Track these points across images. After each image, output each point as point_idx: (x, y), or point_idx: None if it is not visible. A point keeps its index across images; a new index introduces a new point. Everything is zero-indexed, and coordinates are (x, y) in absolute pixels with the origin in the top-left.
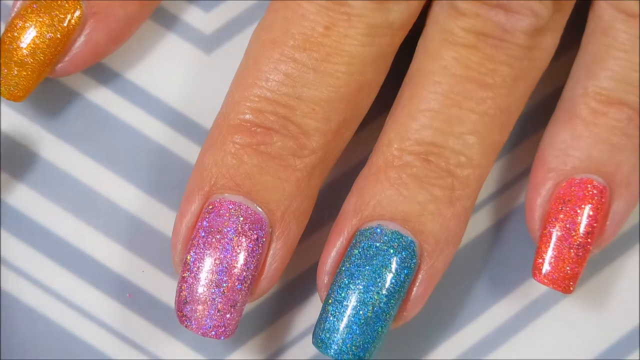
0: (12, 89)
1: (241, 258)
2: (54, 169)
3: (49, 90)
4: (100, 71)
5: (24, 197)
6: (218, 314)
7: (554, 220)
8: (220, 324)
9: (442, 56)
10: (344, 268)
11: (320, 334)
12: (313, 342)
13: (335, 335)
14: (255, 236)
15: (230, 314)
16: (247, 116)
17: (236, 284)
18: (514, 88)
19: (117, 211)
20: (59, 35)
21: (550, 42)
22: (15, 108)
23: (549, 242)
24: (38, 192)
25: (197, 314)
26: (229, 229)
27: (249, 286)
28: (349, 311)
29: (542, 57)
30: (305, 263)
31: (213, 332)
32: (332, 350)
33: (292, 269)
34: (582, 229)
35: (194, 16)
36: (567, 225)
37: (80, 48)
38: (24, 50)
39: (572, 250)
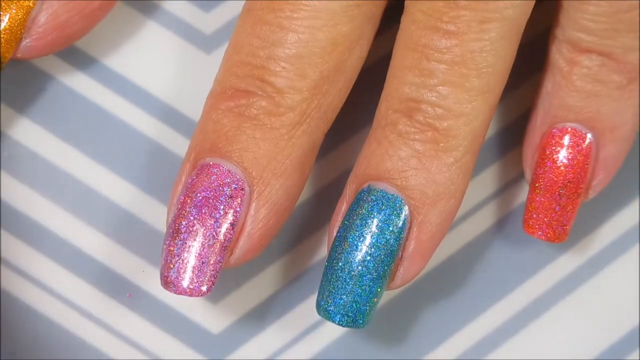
0: None
1: (212, 216)
2: (54, 169)
3: (49, 90)
4: (100, 71)
5: (24, 197)
6: (191, 271)
7: (538, 171)
8: (192, 280)
9: (410, 10)
10: (338, 233)
11: (317, 298)
12: (316, 308)
13: (325, 295)
14: (227, 194)
15: (201, 271)
16: (227, 82)
17: (207, 240)
18: (482, 32)
19: (117, 211)
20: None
21: None
22: (15, 108)
23: (535, 193)
24: (38, 192)
25: (172, 272)
26: (202, 189)
27: (222, 245)
28: (337, 271)
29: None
30: (306, 262)
31: (183, 289)
32: (321, 309)
33: (293, 268)
34: (562, 177)
35: (194, 16)
36: (550, 176)
37: (44, 26)
38: None
39: (554, 201)
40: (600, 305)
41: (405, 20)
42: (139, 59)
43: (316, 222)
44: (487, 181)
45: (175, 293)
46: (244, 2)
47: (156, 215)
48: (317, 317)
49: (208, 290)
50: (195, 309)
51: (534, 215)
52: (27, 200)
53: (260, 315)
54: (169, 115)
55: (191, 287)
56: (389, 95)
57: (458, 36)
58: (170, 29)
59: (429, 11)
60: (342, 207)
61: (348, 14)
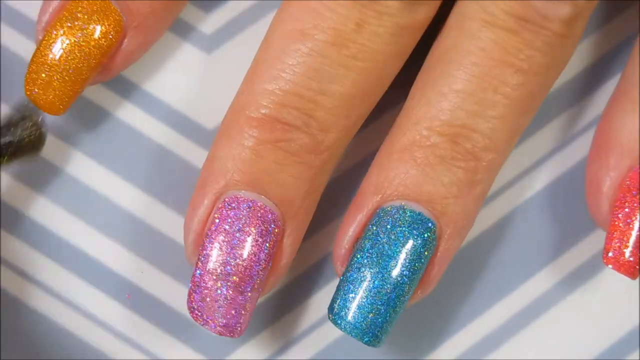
0: (53, 100)
1: (255, 256)
2: (54, 169)
3: None
4: None
5: (24, 198)
6: (232, 312)
7: (625, 204)
8: (233, 322)
9: (480, 37)
10: (366, 246)
11: (336, 309)
12: (329, 317)
13: (352, 311)
14: (270, 234)
15: (244, 311)
16: (269, 110)
17: (249, 281)
18: (545, 75)
19: (117, 211)
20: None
21: (581, 29)
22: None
23: (618, 227)
24: (38, 192)
25: (210, 311)
26: (244, 226)
27: (261, 283)
28: (367, 289)
29: (572, 44)
30: (307, 262)
31: (226, 330)
32: (349, 326)
33: (294, 268)
34: None
35: (194, 16)
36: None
37: (114, 58)
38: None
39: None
40: (600, 305)
41: (469, 45)
42: (139, 60)
43: (317, 223)
44: None
45: (211, 331)
46: (244, 2)
47: (156, 215)
48: (317, 317)
49: (244, 330)
50: None
51: (614, 249)
52: (27, 201)
53: (261, 315)
54: (169, 116)
55: (226, 330)
56: (434, 116)
57: (529, 76)
58: (170, 29)
59: (503, 44)
60: (358, 216)
61: (395, 62)
